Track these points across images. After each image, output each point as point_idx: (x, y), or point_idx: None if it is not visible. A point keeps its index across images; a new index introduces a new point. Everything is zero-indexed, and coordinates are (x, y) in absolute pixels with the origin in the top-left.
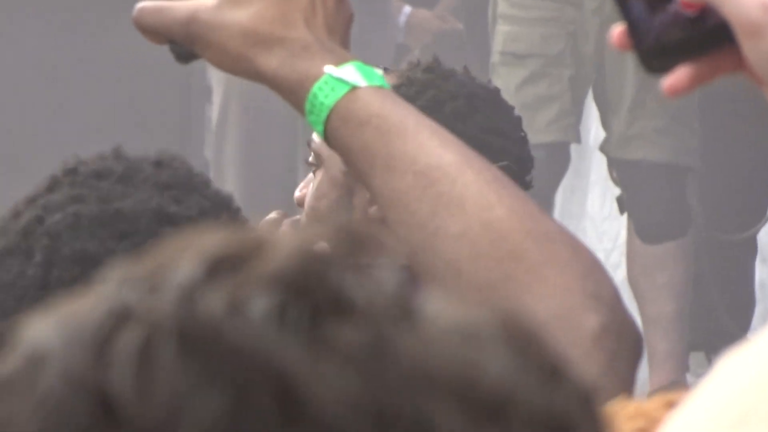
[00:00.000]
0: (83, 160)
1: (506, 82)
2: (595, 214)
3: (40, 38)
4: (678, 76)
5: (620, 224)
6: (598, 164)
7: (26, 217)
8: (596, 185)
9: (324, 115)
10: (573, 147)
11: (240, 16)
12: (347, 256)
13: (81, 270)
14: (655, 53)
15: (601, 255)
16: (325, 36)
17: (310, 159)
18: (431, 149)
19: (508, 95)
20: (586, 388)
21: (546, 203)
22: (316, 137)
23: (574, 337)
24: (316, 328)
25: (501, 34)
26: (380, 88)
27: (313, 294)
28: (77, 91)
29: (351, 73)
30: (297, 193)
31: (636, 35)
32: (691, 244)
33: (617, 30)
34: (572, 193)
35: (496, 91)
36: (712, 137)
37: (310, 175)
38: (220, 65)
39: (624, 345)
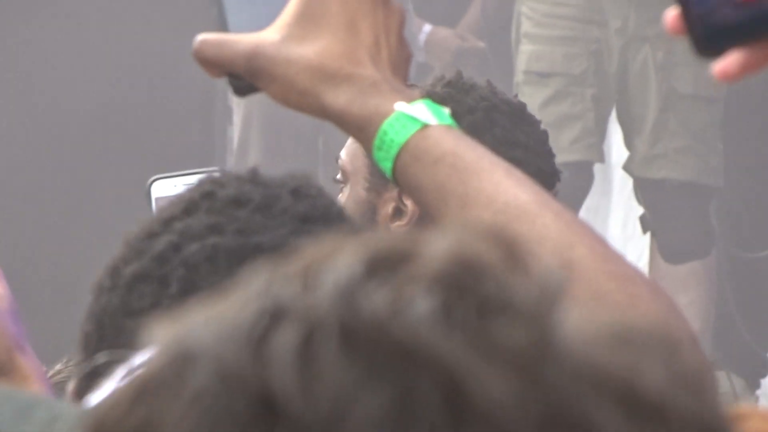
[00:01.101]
0: (220, 182)
1: (530, 101)
2: (618, 233)
3: (62, 54)
4: (729, 61)
5: (643, 244)
6: (621, 184)
7: (162, 243)
8: (619, 205)
9: (394, 152)
10: (596, 166)
11: (307, 52)
12: (504, 257)
13: None
14: (707, 37)
15: None
16: (389, 74)
17: (338, 176)
18: (508, 188)
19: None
20: (724, 401)
21: None
22: (343, 155)
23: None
24: (482, 327)
25: (524, 53)
26: (450, 127)
27: (475, 293)
28: (99, 108)
29: (422, 111)
30: None
31: (689, 19)
32: (714, 264)
33: (670, 14)
34: (595, 213)
35: (520, 105)
36: (734, 156)
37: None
38: (285, 101)
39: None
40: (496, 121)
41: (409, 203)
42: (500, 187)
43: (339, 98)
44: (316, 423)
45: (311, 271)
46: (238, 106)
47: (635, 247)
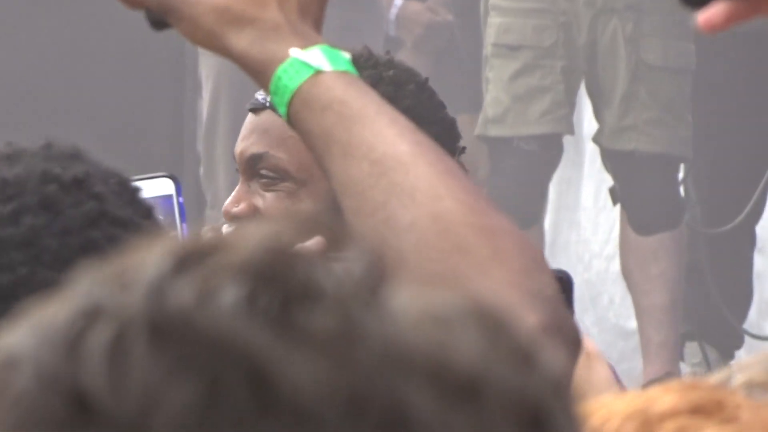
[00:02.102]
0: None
1: (499, 73)
2: (590, 205)
3: (32, 29)
4: (715, 11)
5: (615, 216)
6: (592, 156)
7: None
8: (590, 177)
9: (287, 97)
10: (567, 139)
11: None
12: (315, 247)
13: None
14: None
15: (595, 246)
16: (297, 17)
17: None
18: (388, 138)
19: (502, 87)
20: (558, 375)
21: (540, 194)
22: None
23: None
24: (287, 314)
25: (493, 25)
26: (345, 72)
27: (282, 282)
28: (69, 84)
29: (316, 56)
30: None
31: None
32: (684, 235)
33: None
34: (567, 185)
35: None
36: (705, 128)
37: None
38: (192, 39)
39: (563, 345)
40: (406, 91)
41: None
42: (380, 136)
43: (241, 41)
44: (126, 419)
45: (126, 271)
46: (207, 79)
47: (607, 219)
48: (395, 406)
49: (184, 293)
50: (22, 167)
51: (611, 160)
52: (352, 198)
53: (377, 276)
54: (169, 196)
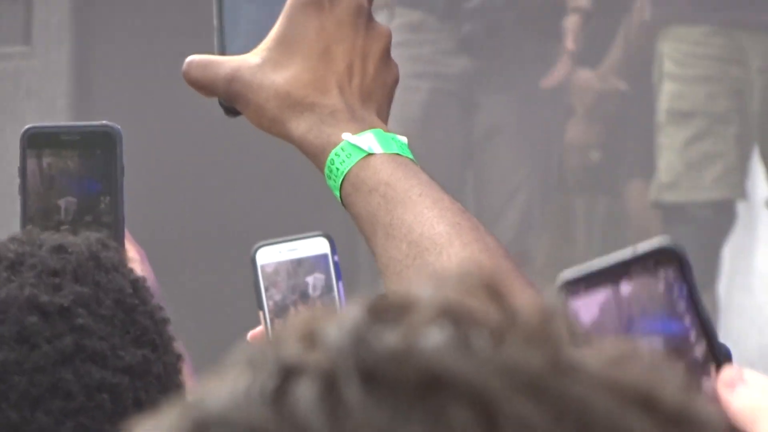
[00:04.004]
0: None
1: (672, 140)
2: (764, 270)
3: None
4: None
5: None
6: (766, 221)
7: None
8: (764, 242)
9: (339, 181)
10: (740, 205)
11: (277, 79)
12: (486, 296)
13: None
14: None
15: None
16: (358, 102)
17: None
18: (427, 219)
19: (675, 153)
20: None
21: (713, 260)
22: None
23: None
24: (499, 350)
25: (667, 92)
26: (396, 156)
27: (481, 323)
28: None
29: (368, 140)
30: None
31: None
32: None
33: None
34: (740, 250)
35: None
36: None
37: None
38: (259, 125)
39: None
40: None
41: None
42: (420, 217)
43: (300, 126)
44: None
45: (311, 331)
46: None
47: None
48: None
49: (389, 337)
50: (9, 290)
51: None
52: (391, 278)
53: (554, 311)
54: (324, 255)
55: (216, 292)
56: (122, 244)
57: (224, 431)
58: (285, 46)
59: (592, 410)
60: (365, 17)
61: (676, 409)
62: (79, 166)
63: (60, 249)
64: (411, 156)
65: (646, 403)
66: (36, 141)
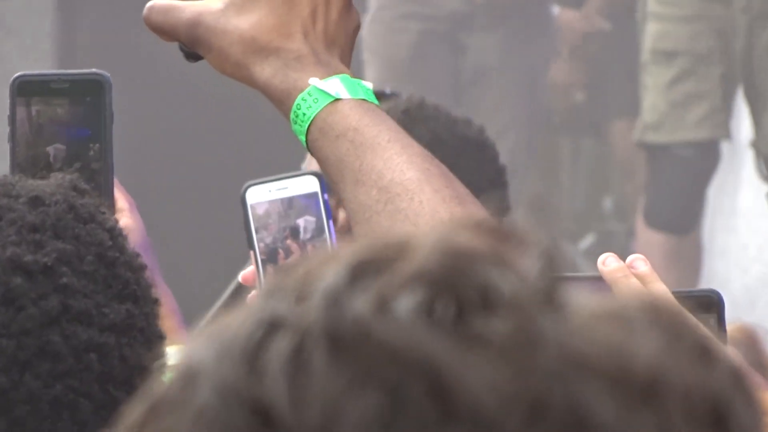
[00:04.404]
0: None
1: (656, 80)
2: (748, 210)
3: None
4: None
5: None
6: (750, 161)
7: None
8: (748, 182)
9: (306, 125)
10: (724, 144)
11: (241, 24)
12: (491, 250)
13: None
14: None
15: (753, 251)
16: (323, 47)
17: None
18: (397, 165)
19: (659, 93)
20: (737, 368)
21: (697, 200)
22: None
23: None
24: (464, 321)
25: (651, 32)
26: (363, 101)
27: (458, 288)
28: (198, 105)
29: (335, 85)
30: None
31: None
32: None
33: None
34: (723, 190)
35: (472, 140)
36: None
37: None
38: (221, 70)
39: None
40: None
41: (340, 212)
42: (390, 163)
43: (264, 71)
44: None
45: (305, 282)
46: None
47: (765, 224)
48: (575, 410)
49: (360, 303)
50: None
51: None
52: (361, 224)
53: (553, 278)
54: (315, 194)
55: (207, 236)
56: (112, 192)
57: (206, 384)
58: None
59: (552, 387)
60: None
61: (648, 382)
62: (69, 114)
63: (37, 201)
64: (377, 102)
65: (615, 379)
66: (25, 89)
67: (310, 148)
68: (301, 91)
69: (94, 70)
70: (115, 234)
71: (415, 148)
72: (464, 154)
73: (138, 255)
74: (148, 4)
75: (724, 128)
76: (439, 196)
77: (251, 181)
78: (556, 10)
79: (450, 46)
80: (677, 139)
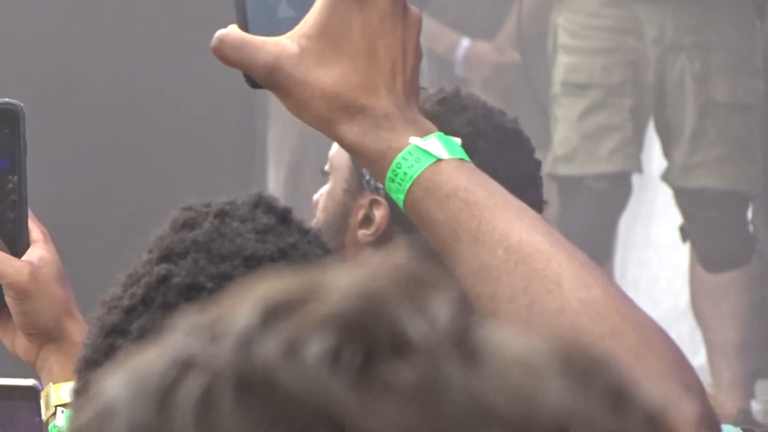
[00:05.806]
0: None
1: (568, 112)
2: (659, 242)
3: (100, 54)
4: None
5: (683, 253)
6: (664, 192)
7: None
8: (661, 213)
9: (407, 185)
10: (635, 177)
11: (324, 77)
12: (404, 294)
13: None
14: None
15: (663, 282)
16: (404, 102)
17: (325, 168)
18: (521, 227)
19: (571, 125)
20: (654, 411)
21: (609, 232)
22: (334, 148)
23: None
24: (370, 368)
25: (562, 64)
26: (464, 161)
27: (367, 333)
28: (140, 111)
29: (435, 145)
30: (315, 197)
31: None
32: (754, 272)
33: None
34: (635, 222)
35: (514, 132)
36: None
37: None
38: (299, 117)
39: None
40: (476, 148)
41: (378, 214)
42: (513, 224)
43: (353, 129)
44: None
45: (220, 321)
46: (276, 118)
47: (675, 256)
48: None
49: (269, 347)
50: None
51: (680, 197)
52: (486, 284)
53: (464, 323)
54: None
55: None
56: (26, 224)
57: (121, 421)
58: (327, 39)
59: None
60: (402, 3)
61: (552, 431)
62: None
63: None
64: (469, 159)
65: (519, 425)
66: None
67: (410, 207)
68: (398, 150)
69: (6, 99)
70: None
71: (530, 210)
72: (504, 145)
73: None
74: (219, 35)
75: (635, 161)
76: (576, 259)
77: None
78: (466, 42)
79: None
80: (589, 171)
